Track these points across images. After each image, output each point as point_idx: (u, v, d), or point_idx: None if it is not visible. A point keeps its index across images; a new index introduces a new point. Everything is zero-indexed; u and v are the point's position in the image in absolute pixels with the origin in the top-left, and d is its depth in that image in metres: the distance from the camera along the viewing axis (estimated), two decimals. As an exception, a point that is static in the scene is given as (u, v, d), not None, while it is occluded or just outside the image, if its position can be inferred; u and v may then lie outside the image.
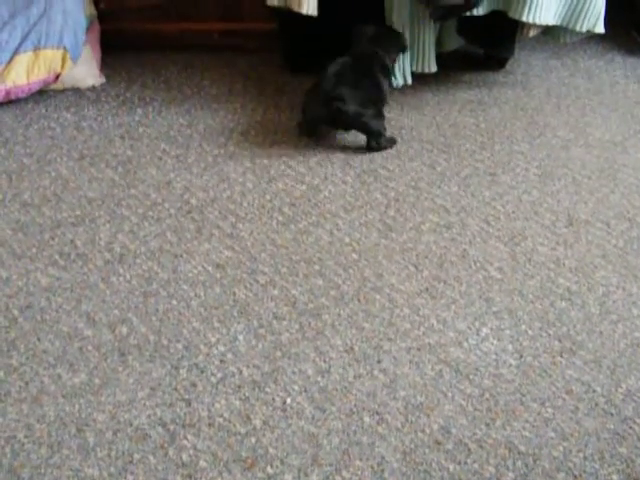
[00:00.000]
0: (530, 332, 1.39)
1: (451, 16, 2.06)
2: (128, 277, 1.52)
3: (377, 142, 1.91)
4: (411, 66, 2.16)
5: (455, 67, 2.30)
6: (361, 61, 1.94)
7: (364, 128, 1.90)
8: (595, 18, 2.05)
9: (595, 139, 1.97)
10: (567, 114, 2.09)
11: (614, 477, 1.14)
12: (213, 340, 1.37)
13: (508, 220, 1.67)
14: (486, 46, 2.30)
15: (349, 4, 2.01)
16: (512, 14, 1.99)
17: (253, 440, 1.19)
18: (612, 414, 1.23)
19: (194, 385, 1.28)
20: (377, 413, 1.24)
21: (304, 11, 2.01)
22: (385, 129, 1.93)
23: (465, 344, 1.37)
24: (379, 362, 1.33)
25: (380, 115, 1.92)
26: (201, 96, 2.21)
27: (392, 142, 1.95)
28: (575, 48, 2.45)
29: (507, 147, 1.94)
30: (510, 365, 1.32)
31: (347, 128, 1.93)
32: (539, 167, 1.86)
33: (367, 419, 1.23)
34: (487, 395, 1.27)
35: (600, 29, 2.07)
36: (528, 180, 1.81)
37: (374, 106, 1.91)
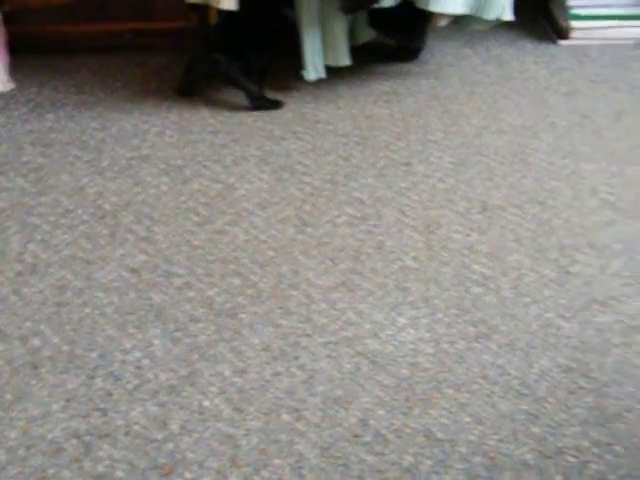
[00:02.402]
0: (446, 319, 1.40)
1: (360, 8, 2.07)
2: (40, 287, 1.49)
3: (257, 102, 2.03)
4: (325, 60, 2.15)
5: (369, 59, 2.31)
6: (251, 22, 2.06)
7: (242, 86, 2.04)
8: (503, 6, 2.08)
9: (507, 125, 2.00)
10: (480, 102, 2.12)
11: (528, 456, 1.16)
12: (128, 346, 1.36)
13: (423, 209, 1.69)
14: (398, 37, 2.31)
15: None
16: (419, 4, 2.01)
17: (171, 446, 1.18)
18: (526, 395, 1.26)
19: (110, 394, 1.26)
20: (295, 410, 1.24)
21: (224, 6, 1.99)
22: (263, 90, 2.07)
23: (382, 335, 1.37)
24: (297, 359, 1.33)
25: (260, 76, 2.07)
26: (114, 98, 2.18)
27: (276, 105, 2.05)
28: (487, 36, 2.48)
29: (422, 137, 1.95)
30: (427, 353, 1.34)
31: (226, 83, 2.09)
32: (453, 155, 1.88)
33: (285, 417, 1.23)
34: (404, 385, 1.28)
35: (508, 17, 2.10)
36: (443, 168, 1.83)
37: (255, 65, 2.04)
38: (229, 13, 2.03)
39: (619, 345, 1.35)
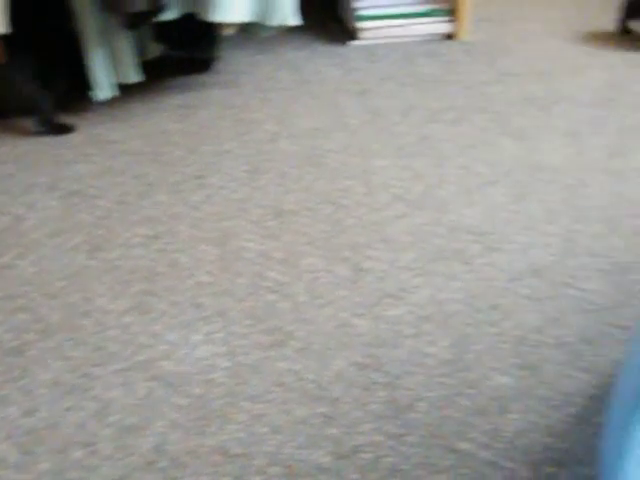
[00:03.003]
0: (241, 331, 1.39)
1: (142, 23, 2.02)
2: None
3: (46, 127, 1.97)
4: (114, 77, 2.09)
5: (162, 73, 2.27)
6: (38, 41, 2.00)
7: (31, 110, 1.98)
8: (288, 11, 2.09)
9: (301, 129, 2.01)
10: (273, 107, 2.12)
11: (324, 459, 1.15)
12: None
13: (217, 221, 1.67)
14: (187, 49, 2.28)
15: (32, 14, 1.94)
16: (201, 16, 1.99)
17: (-51, 503, 1.10)
18: (322, 398, 1.25)
19: None
20: (87, 444, 1.18)
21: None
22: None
23: (176, 355, 1.34)
24: (89, 390, 1.28)
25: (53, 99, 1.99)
26: None
27: (66, 129, 2.01)
28: (280, 41, 2.50)
29: (215, 148, 1.93)
30: (222, 368, 1.31)
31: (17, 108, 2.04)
32: (247, 163, 1.86)
33: (77, 453, 1.17)
34: (200, 403, 1.25)
35: (295, 21, 2.12)
36: (236, 178, 1.81)
37: (49, 87, 1.98)
38: (18, 32, 1.93)
39: (410, 336, 1.38)
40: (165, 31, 2.14)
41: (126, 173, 1.85)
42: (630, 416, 1.01)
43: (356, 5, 2.48)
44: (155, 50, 2.21)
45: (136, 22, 2.00)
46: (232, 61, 2.38)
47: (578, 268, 1.55)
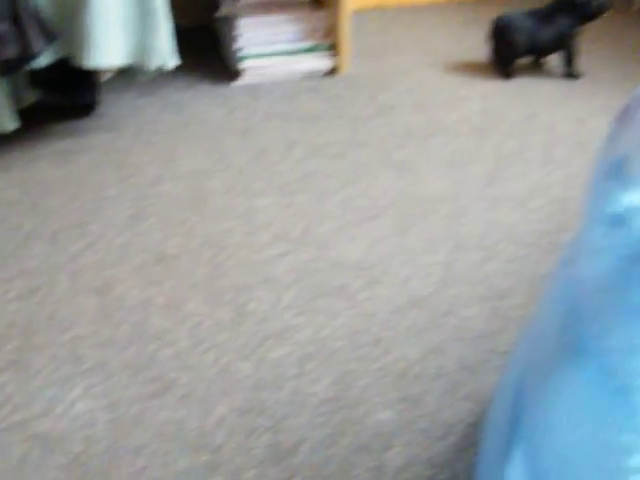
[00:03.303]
0: (122, 382, 1.36)
1: (14, 70, 1.98)
2: None
3: None
4: (-10, 126, 2.04)
5: (42, 119, 2.22)
6: None
7: None
8: (166, 53, 2.09)
9: (184, 171, 2.00)
10: (157, 150, 2.10)
11: (207, 511, 1.13)
12: None
13: (99, 269, 1.63)
14: (65, 95, 2.24)
15: None
16: (75, 61, 1.96)
17: None
18: (204, 446, 1.24)
19: None
20: (-41, 515, 1.13)
21: None
22: None
23: (54, 412, 1.30)
24: (-40, 457, 1.22)
25: None
26: None
27: None
28: (163, 83, 2.48)
29: (97, 194, 1.90)
30: (102, 422, 1.28)
31: None
32: (129, 208, 1.84)
33: (-52, 525, 1.12)
34: (79, 461, 1.22)
35: (173, 62, 2.11)
36: (119, 224, 1.78)
37: None
38: None
39: (293, 377, 1.38)
40: (41, 76, 2.10)
41: (2, 225, 1.80)
42: (505, 442, 1.04)
43: (238, 44, 2.49)
44: (31, 96, 2.17)
45: (8, 69, 1.96)
46: (114, 104, 2.36)
47: (458, 297, 1.58)
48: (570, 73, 2.59)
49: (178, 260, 1.66)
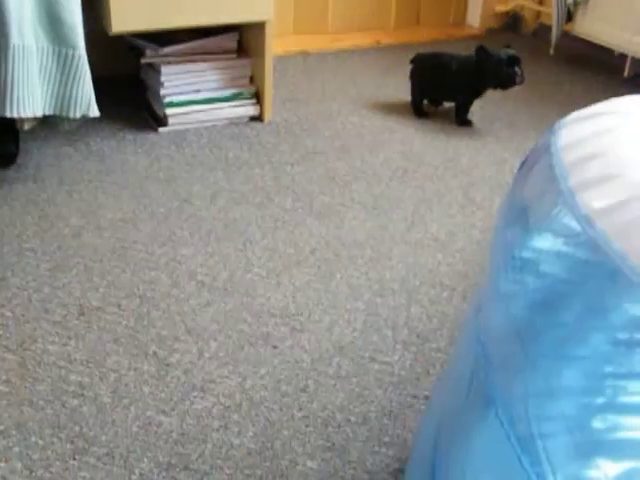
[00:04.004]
0: (41, 442, 1.33)
1: None
2: None
3: None
4: None
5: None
6: None
7: None
8: (86, 103, 2.08)
9: (107, 221, 1.98)
10: (79, 200, 2.08)
11: None
12: None
13: (18, 325, 1.60)
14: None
15: None
16: (-6, 113, 1.94)
17: None
18: (125, 505, 1.21)
19: None
20: None
21: None
22: None
23: (-31, 477, 1.26)
24: None
25: None
26: None
27: None
28: (87, 131, 2.47)
29: (17, 246, 1.87)
30: (19, 485, 1.24)
31: None
32: (50, 261, 1.81)
33: None
34: (-5, 527, 1.17)
35: (95, 112, 2.10)
36: (39, 277, 1.75)
37: None
38: None
39: (217, 429, 1.36)
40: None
41: None
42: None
43: (164, 92, 2.49)
44: (-50, 148, 2.13)
45: None
46: (36, 154, 2.33)
47: (381, 342, 1.60)
48: (462, 121, 2.64)
49: (100, 313, 1.64)
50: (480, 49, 2.51)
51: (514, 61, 2.46)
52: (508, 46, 2.53)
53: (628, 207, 0.70)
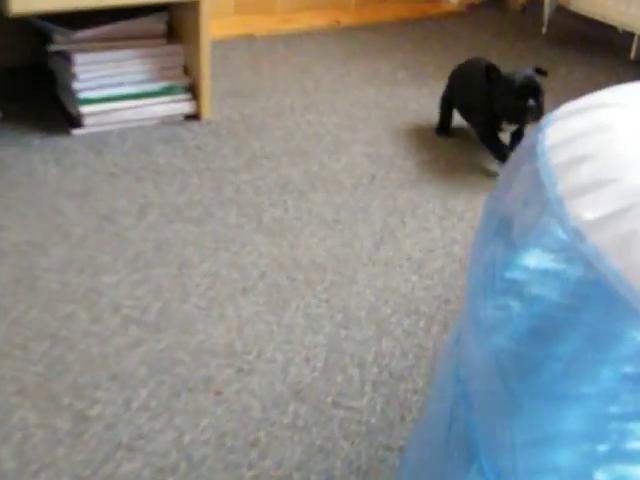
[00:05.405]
0: None
1: None
2: None
3: None
4: None
5: None
6: None
7: None
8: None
9: (10, 244, 1.97)
10: (-24, 220, 2.06)
11: None
12: None
13: None
14: None
15: None
16: None
17: None
18: None
19: None
20: None
21: None
22: None
23: None
24: None
25: None
26: None
27: None
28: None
29: None
30: None
31: None
32: (-59, 296, 1.79)
33: None
34: None
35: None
36: None
37: None
38: None
39: (148, 495, 1.36)
40: None
41: None
42: None
43: (78, 86, 2.48)
44: None
45: None
46: None
47: (346, 383, 1.60)
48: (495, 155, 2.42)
49: (2, 358, 1.62)
50: (490, 69, 2.29)
51: (529, 91, 2.21)
52: (537, 69, 2.28)
53: (625, 218, 0.71)
